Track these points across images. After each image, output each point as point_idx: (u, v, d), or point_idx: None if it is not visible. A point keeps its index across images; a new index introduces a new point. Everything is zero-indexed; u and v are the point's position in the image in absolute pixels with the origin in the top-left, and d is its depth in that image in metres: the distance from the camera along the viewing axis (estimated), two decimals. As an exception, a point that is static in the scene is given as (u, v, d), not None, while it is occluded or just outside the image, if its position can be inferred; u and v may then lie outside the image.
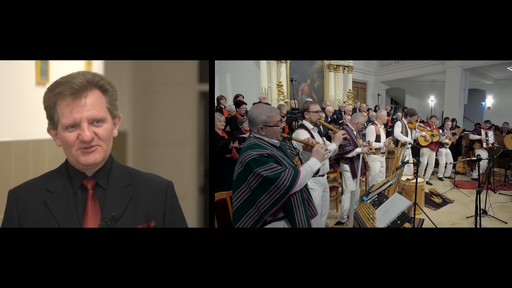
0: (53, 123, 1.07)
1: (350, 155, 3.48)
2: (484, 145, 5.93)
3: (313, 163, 1.83)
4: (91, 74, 1.07)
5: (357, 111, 7.36)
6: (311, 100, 7.48)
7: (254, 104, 6.55)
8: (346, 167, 3.64)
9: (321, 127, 4.52)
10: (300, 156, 2.05)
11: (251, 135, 1.89)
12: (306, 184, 1.90)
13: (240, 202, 1.79)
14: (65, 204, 1.07)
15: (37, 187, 1.10)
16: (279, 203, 1.71)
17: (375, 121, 4.36)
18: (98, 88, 1.07)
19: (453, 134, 6.02)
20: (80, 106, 1.03)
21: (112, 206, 1.09)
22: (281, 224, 1.83)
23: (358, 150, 3.48)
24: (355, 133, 3.64)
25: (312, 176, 2.73)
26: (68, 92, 1.02)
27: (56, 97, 1.03)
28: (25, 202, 1.08)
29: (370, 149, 3.59)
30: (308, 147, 1.99)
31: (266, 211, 1.73)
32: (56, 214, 1.06)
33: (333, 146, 2.58)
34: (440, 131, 5.86)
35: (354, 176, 3.58)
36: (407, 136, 4.66)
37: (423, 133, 5.43)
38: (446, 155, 5.98)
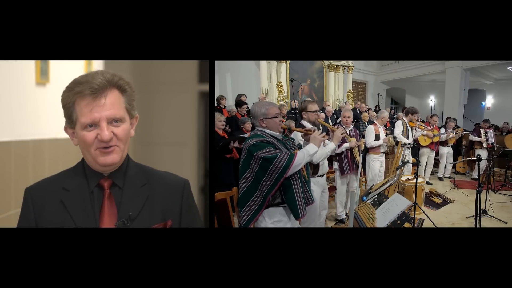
0: (71, 122, 1.07)
1: (338, 150, 3.50)
2: (484, 145, 5.92)
3: (310, 148, 1.96)
4: (110, 74, 1.07)
5: (357, 111, 7.37)
6: (310, 99, 7.48)
7: (254, 104, 6.55)
8: (336, 164, 3.67)
9: (320, 126, 4.52)
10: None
11: (255, 129, 2.02)
12: (303, 176, 2.01)
13: (246, 187, 1.91)
14: (82, 203, 1.07)
15: (54, 185, 1.10)
16: (279, 183, 1.83)
17: (375, 121, 4.35)
18: (117, 88, 1.07)
19: (455, 133, 6.03)
20: (100, 106, 1.03)
21: (128, 205, 1.09)
22: (279, 209, 1.93)
23: (346, 145, 3.52)
24: (347, 131, 3.66)
25: (312, 177, 2.76)
26: (88, 92, 1.02)
27: (76, 96, 1.03)
28: (41, 200, 1.08)
29: (357, 142, 3.64)
30: (308, 136, 2.11)
31: (268, 191, 1.84)
32: (73, 213, 1.06)
33: (331, 146, 2.59)
34: (442, 130, 5.86)
35: (342, 172, 3.61)
36: (408, 135, 4.66)
37: (425, 132, 5.41)
38: (447, 154, 5.98)
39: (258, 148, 1.83)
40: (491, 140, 5.91)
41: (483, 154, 5.78)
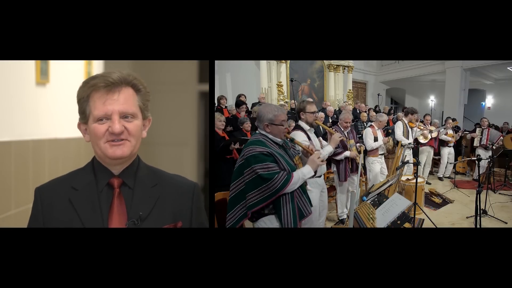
0: (84, 117, 1.08)
1: (338, 157, 3.48)
2: (475, 143, 5.93)
3: (306, 171, 1.90)
4: (126, 73, 1.09)
5: (357, 111, 7.37)
6: (309, 99, 7.49)
7: (253, 104, 6.57)
8: (334, 169, 3.67)
9: (321, 128, 4.52)
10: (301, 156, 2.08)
11: (257, 131, 1.99)
12: (301, 185, 1.96)
13: (235, 193, 1.89)
14: (90, 203, 1.07)
15: (63, 184, 1.10)
16: (267, 202, 1.80)
17: (373, 124, 4.33)
18: (131, 87, 1.09)
19: (456, 132, 6.05)
20: (113, 99, 1.05)
21: (139, 205, 1.09)
22: (273, 218, 1.90)
23: (347, 153, 3.51)
24: (345, 133, 3.61)
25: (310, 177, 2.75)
26: (102, 84, 1.04)
27: (91, 89, 1.05)
28: (50, 199, 1.08)
29: (359, 152, 3.59)
30: (305, 151, 2.05)
31: (252, 206, 1.81)
32: (81, 212, 1.06)
33: (329, 148, 2.59)
34: (441, 129, 5.87)
35: (339, 179, 3.60)
36: (408, 136, 4.66)
37: (421, 132, 5.41)
38: (448, 154, 5.99)
39: (257, 160, 1.79)
40: (484, 139, 5.88)
41: (481, 153, 5.80)
